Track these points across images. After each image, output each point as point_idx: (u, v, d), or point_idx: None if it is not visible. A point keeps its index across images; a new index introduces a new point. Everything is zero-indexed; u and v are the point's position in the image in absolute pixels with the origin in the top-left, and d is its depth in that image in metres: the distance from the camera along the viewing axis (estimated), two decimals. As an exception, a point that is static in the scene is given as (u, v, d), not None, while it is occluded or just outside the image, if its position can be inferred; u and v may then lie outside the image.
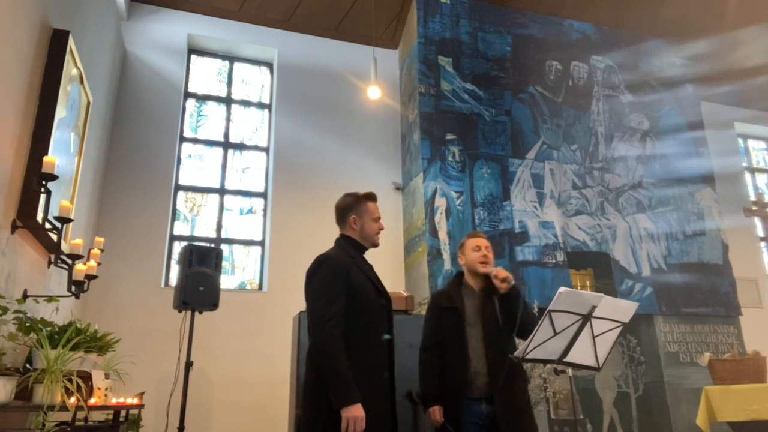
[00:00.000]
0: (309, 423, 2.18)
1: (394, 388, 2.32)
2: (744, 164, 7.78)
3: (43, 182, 2.84)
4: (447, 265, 5.13)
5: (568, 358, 2.32)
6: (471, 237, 2.88)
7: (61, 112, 3.26)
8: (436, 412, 2.60)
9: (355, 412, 2.04)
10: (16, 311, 2.63)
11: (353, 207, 2.44)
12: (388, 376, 2.24)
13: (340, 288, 2.20)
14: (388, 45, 6.46)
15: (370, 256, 2.58)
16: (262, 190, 5.86)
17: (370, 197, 2.47)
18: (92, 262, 3.53)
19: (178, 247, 5.30)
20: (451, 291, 2.79)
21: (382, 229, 2.46)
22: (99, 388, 2.83)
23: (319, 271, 2.26)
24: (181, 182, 5.59)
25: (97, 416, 3.42)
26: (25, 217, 2.89)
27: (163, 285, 5.03)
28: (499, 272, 2.58)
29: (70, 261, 3.31)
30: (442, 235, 5.23)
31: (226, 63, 6.22)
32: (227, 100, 6.09)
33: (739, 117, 7.79)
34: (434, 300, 2.86)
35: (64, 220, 3.00)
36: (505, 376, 2.50)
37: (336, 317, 2.14)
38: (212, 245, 4.85)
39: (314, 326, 2.15)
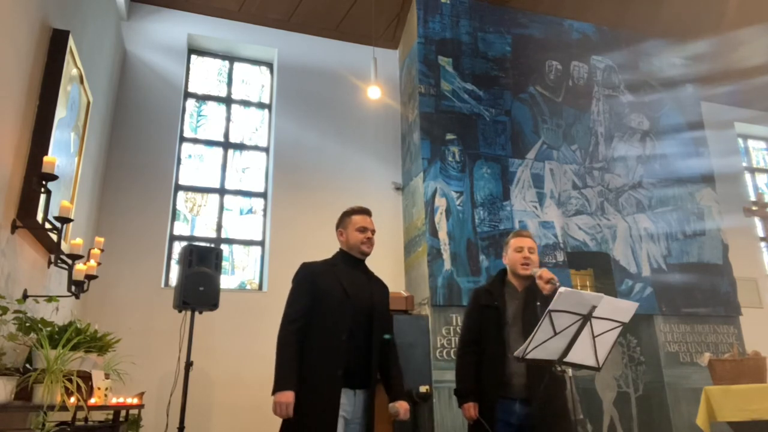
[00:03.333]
0: None
1: (354, 385, 2.41)
2: (744, 164, 7.78)
3: (43, 182, 2.84)
4: (447, 265, 5.13)
5: (568, 358, 2.31)
6: (516, 236, 2.80)
7: (61, 112, 3.26)
8: (471, 409, 2.59)
9: (280, 398, 2.25)
10: (16, 311, 2.63)
11: (340, 222, 2.70)
12: (342, 373, 2.36)
13: (303, 291, 2.49)
14: (388, 45, 6.46)
15: (371, 257, 2.66)
16: (262, 190, 5.86)
17: (357, 211, 2.67)
18: (92, 262, 3.54)
19: (178, 247, 5.29)
20: (492, 289, 2.76)
21: (369, 238, 2.61)
22: (99, 388, 2.83)
23: (294, 277, 2.58)
24: (181, 182, 5.59)
25: (97, 416, 3.43)
26: (25, 217, 2.89)
27: (163, 285, 5.03)
28: (544, 273, 2.53)
29: (70, 261, 3.31)
30: (442, 235, 5.23)
31: (226, 63, 6.22)
32: (227, 100, 6.08)
33: (739, 117, 7.79)
34: (475, 297, 2.83)
35: (64, 220, 3.00)
36: (545, 379, 2.43)
37: (295, 315, 2.43)
38: (212, 245, 4.84)
39: (280, 324, 2.45)
